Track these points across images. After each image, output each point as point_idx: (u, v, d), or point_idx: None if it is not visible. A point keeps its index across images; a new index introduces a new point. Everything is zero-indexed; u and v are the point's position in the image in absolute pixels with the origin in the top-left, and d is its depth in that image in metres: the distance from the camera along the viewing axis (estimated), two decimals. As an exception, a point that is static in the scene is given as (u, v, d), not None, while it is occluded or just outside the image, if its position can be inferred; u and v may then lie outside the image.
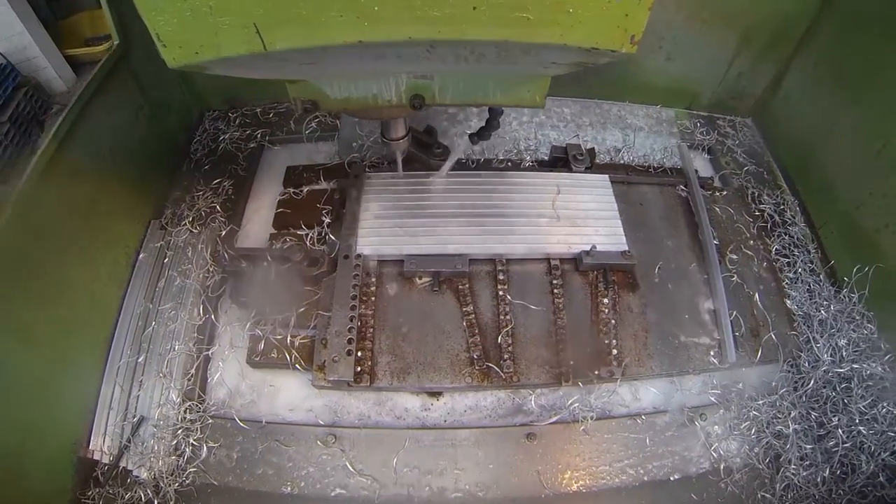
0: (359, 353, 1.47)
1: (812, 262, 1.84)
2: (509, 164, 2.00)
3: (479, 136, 1.60)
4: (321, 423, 1.48)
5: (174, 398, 1.50)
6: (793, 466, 1.44)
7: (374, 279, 1.63)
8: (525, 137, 2.12)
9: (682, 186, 1.98)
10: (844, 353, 1.58)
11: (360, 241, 1.66)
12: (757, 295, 1.73)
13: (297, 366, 1.50)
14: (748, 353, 1.62)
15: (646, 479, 1.44)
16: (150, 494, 1.37)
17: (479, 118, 2.14)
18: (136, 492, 1.38)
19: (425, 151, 1.79)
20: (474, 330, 1.54)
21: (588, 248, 1.67)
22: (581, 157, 1.91)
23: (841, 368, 1.55)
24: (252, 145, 2.09)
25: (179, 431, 1.44)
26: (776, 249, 1.86)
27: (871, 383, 1.51)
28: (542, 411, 1.51)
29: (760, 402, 1.54)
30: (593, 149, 1.98)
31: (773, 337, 1.63)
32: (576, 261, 1.70)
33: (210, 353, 1.59)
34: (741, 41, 2.08)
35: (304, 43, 0.87)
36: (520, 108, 2.16)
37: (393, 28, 0.85)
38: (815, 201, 1.97)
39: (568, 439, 1.47)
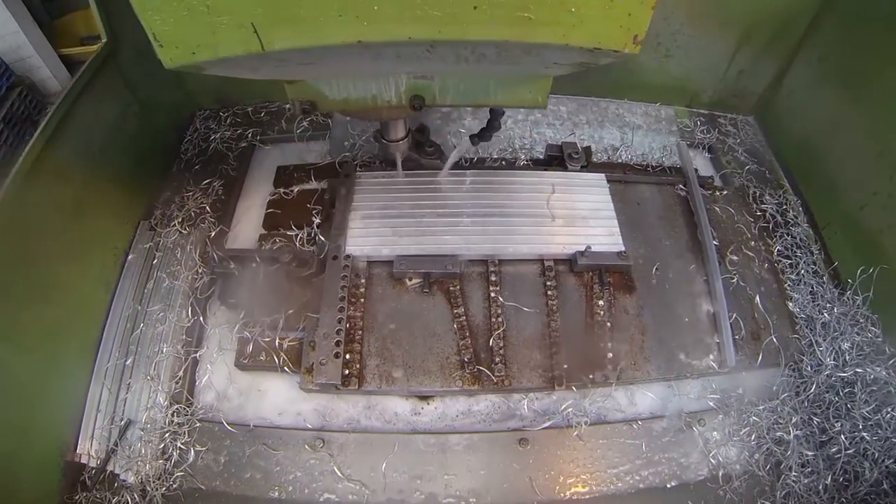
0: (347, 356, 1.46)
1: (815, 264, 1.82)
2: (503, 163, 1.99)
3: (479, 137, 1.61)
4: (309, 426, 1.47)
5: (162, 401, 1.50)
6: (794, 474, 1.42)
7: (363, 280, 1.62)
8: (520, 136, 2.11)
9: (681, 186, 1.97)
10: (848, 357, 1.55)
11: (349, 242, 1.66)
12: (758, 297, 1.71)
13: (285, 368, 1.50)
14: (748, 357, 1.60)
15: (642, 486, 1.42)
16: (138, 498, 1.37)
17: (472, 116, 2.14)
18: (123, 496, 1.38)
19: (417, 150, 1.78)
20: (465, 332, 1.54)
21: (583, 248, 1.66)
22: (577, 156, 1.90)
23: (844, 373, 1.53)
24: (243, 145, 2.09)
25: (167, 435, 1.44)
26: (778, 250, 1.84)
27: (875, 388, 1.48)
28: (535, 416, 1.50)
29: (761, 407, 1.52)
30: (589, 147, 1.97)
31: (775, 340, 1.62)
32: (570, 261, 1.69)
33: (198, 355, 1.59)
34: (742, 37, 2.06)
35: (302, 43, 0.87)
36: (516, 107, 2.16)
37: (393, 28, 0.85)
38: (818, 201, 1.95)
39: (561, 445, 1.45)
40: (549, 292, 1.62)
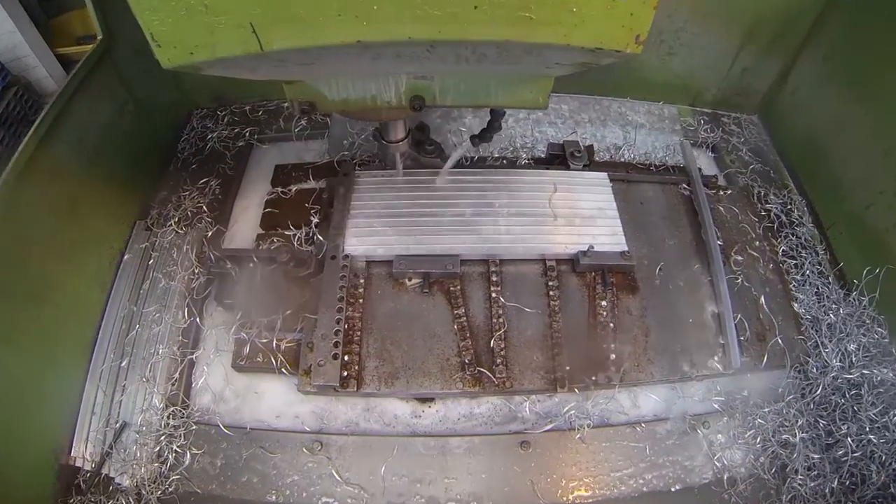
0: (345, 357, 1.46)
1: (820, 264, 1.82)
2: (505, 161, 1.99)
3: (480, 137, 1.61)
4: (307, 429, 1.47)
5: (157, 403, 1.50)
6: (800, 477, 1.42)
7: (361, 280, 1.62)
8: (521, 134, 2.11)
9: (684, 185, 1.97)
10: (854, 359, 1.55)
11: (348, 242, 1.65)
12: (763, 298, 1.70)
13: (283, 370, 1.50)
14: (753, 359, 1.59)
15: (645, 489, 1.42)
16: (133, 502, 1.37)
17: (473, 115, 2.14)
18: (118, 500, 1.38)
19: (417, 149, 1.78)
20: (466, 333, 1.53)
21: (586, 248, 1.65)
22: (579, 155, 1.90)
23: (850, 374, 1.53)
24: (240, 144, 2.09)
25: (162, 438, 1.44)
26: (783, 251, 1.84)
27: (881, 390, 1.49)
28: (536, 419, 1.49)
29: (766, 409, 1.52)
30: (592, 146, 1.97)
31: (780, 341, 1.61)
32: (573, 261, 1.69)
33: (194, 356, 1.59)
34: (746, 35, 2.06)
35: (301, 43, 0.87)
36: (518, 106, 2.16)
37: (392, 27, 0.85)
38: (824, 201, 1.95)
39: (564, 448, 1.45)
40: (551, 293, 1.62)
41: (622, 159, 2.07)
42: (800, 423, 1.48)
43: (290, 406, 1.51)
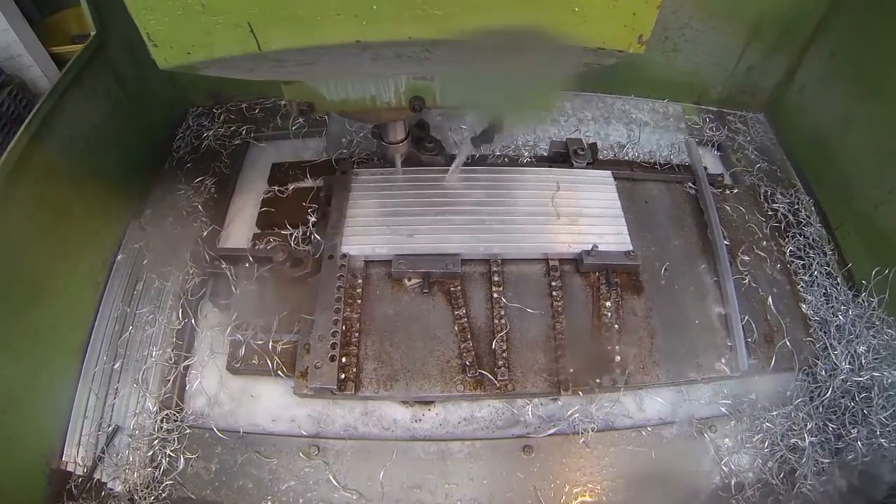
0: (343, 359, 1.46)
1: (828, 265, 1.82)
2: (507, 159, 2.00)
3: (481, 138, 1.62)
4: (304, 433, 1.47)
5: (150, 406, 1.50)
6: (809, 482, 1.42)
7: (360, 280, 1.62)
8: (523, 133, 2.11)
9: (690, 184, 1.97)
10: (864, 361, 1.55)
11: (345, 241, 1.66)
12: (770, 299, 1.70)
13: (279, 372, 1.49)
14: (761, 361, 1.59)
15: (651, 495, 1.42)
16: (125, 508, 1.37)
17: (474, 112, 2.14)
18: (110, 505, 1.38)
19: (417, 146, 1.79)
20: (466, 335, 1.53)
21: (589, 247, 1.66)
22: (582, 153, 1.91)
23: (860, 377, 1.52)
24: (237, 142, 2.10)
25: (156, 442, 1.44)
26: (790, 251, 1.84)
27: (892, 392, 1.48)
28: (539, 422, 1.49)
29: (774, 412, 1.51)
30: (595, 144, 1.98)
31: (788, 343, 1.61)
32: (576, 261, 1.69)
33: (188, 359, 1.59)
34: (752, 32, 2.08)
35: (299, 43, 0.88)
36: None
37: (392, 27, 0.86)
38: (831, 200, 1.96)
39: (567, 452, 1.45)
40: (554, 293, 1.62)
41: (626, 158, 2.07)
42: (809, 426, 1.48)
43: (287, 409, 1.52)
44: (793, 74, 2.17)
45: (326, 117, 2.13)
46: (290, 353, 1.52)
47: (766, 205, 1.97)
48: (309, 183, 1.91)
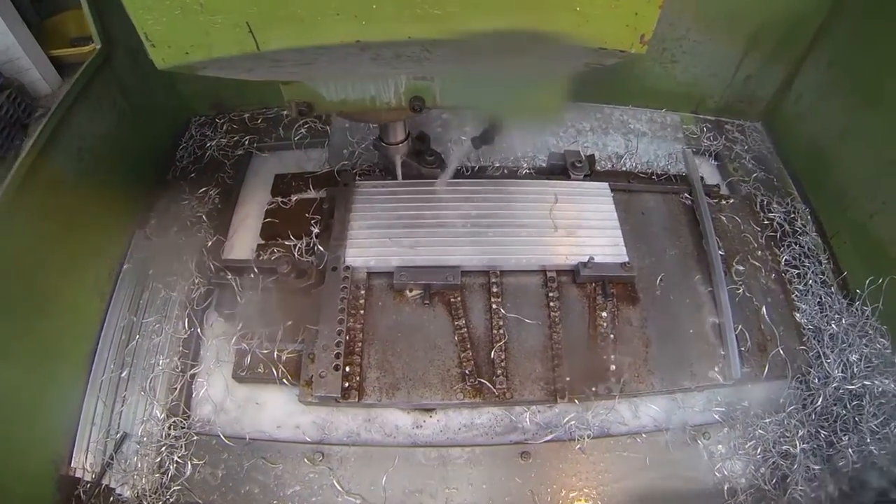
0: (347, 369, 1.52)
1: (823, 274, 1.87)
2: (505, 171, 2.04)
3: (482, 139, 1.63)
4: (308, 440, 1.52)
5: (158, 414, 1.55)
6: (800, 488, 1.47)
7: (362, 292, 1.68)
8: (522, 144, 2.16)
9: (686, 194, 2.02)
10: (856, 369, 1.60)
11: (348, 252, 1.71)
12: (764, 308, 1.75)
13: (284, 381, 1.55)
14: (754, 369, 1.64)
15: (645, 500, 1.47)
16: (134, 513, 1.42)
17: (474, 124, 2.19)
18: (118, 510, 1.43)
19: (417, 159, 1.84)
20: (466, 345, 1.59)
21: (586, 259, 1.71)
22: (580, 165, 1.96)
23: (852, 385, 1.57)
24: (239, 152, 2.15)
25: (163, 448, 1.49)
26: (785, 260, 1.89)
27: (883, 401, 1.53)
28: (536, 429, 1.55)
29: (767, 420, 1.56)
30: (593, 155, 2.03)
31: (781, 352, 1.66)
32: (573, 273, 1.74)
33: (195, 367, 1.64)
34: (750, 42, 2.11)
35: (298, 42, 0.89)
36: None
37: (392, 27, 0.86)
38: (828, 210, 2.00)
39: (564, 458, 1.50)
40: (552, 304, 1.68)
41: (624, 168, 2.12)
42: (801, 433, 1.53)
43: (291, 417, 1.57)
44: (790, 84, 2.21)
45: (328, 128, 2.18)
46: (295, 362, 1.58)
47: (762, 214, 2.02)
48: (312, 194, 1.96)
